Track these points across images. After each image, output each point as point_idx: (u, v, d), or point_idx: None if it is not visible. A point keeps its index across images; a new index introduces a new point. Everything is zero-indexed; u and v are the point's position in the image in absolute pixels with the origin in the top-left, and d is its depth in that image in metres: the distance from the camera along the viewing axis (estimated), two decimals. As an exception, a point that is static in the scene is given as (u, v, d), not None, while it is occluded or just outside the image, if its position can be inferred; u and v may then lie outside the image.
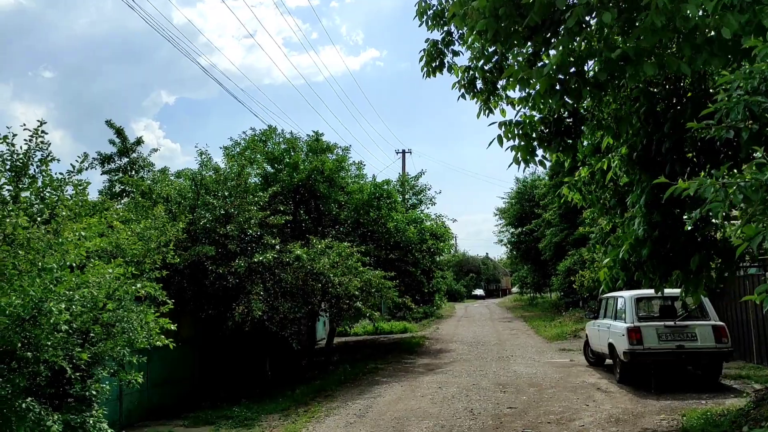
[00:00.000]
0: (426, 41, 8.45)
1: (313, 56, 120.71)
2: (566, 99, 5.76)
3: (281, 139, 21.11)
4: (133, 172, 22.41)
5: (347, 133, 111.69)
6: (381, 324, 27.77)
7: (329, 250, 16.22)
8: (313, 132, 21.65)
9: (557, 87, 5.66)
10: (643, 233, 7.35)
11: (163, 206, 11.83)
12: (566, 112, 7.55)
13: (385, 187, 21.93)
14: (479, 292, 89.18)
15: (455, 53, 8.47)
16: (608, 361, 14.63)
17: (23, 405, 6.86)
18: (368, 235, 21.16)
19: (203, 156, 16.57)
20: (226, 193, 15.31)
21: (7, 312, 6.22)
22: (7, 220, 5.98)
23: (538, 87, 5.62)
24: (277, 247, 15.34)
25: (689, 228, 6.25)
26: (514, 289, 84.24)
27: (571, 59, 5.52)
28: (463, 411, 11.08)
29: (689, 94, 7.46)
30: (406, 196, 28.74)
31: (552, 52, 6.12)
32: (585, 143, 8.51)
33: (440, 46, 8.45)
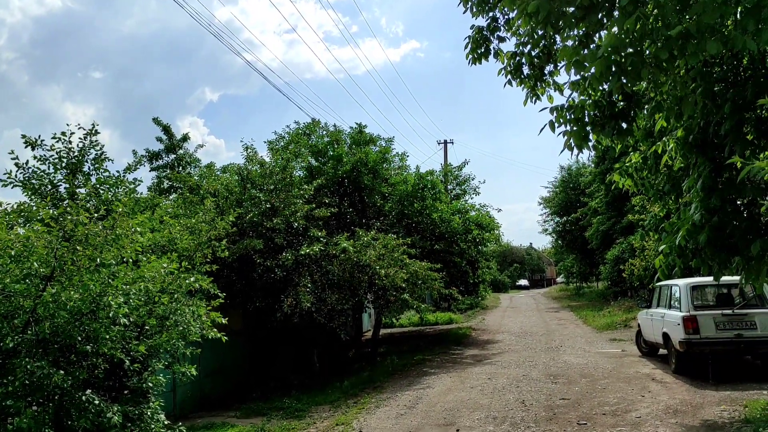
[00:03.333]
0: (471, 28, 8.36)
1: (354, 49, 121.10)
2: (623, 81, 5.57)
3: (325, 132, 21.18)
4: (180, 169, 22.77)
5: (389, 125, 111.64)
6: (427, 315, 27.71)
7: (375, 242, 16.21)
8: (356, 124, 21.67)
9: (613, 69, 5.48)
10: (701, 219, 7.08)
11: (212, 201, 11.97)
12: (619, 96, 7.33)
13: (429, 177, 21.79)
14: (524, 282, 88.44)
15: (501, 39, 8.38)
16: (662, 351, 14.26)
17: (83, 397, 7.03)
18: (413, 226, 21.08)
19: (248, 150, 16.72)
20: (272, 187, 15.42)
21: (68, 307, 6.38)
22: (68, 217, 6.10)
23: (593, 70, 5.44)
24: (323, 239, 15.42)
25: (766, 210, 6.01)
26: (559, 279, 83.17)
27: (627, 40, 5.35)
28: (514, 402, 10.95)
29: (749, 73, 7.15)
30: (450, 187, 28.50)
31: (604, 33, 5.94)
32: (638, 127, 8.25)
33: (486, 32, 8.35)
